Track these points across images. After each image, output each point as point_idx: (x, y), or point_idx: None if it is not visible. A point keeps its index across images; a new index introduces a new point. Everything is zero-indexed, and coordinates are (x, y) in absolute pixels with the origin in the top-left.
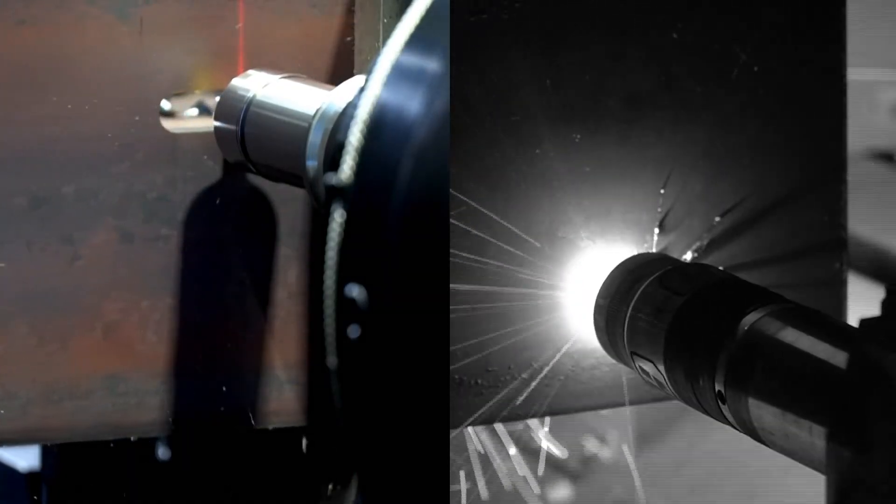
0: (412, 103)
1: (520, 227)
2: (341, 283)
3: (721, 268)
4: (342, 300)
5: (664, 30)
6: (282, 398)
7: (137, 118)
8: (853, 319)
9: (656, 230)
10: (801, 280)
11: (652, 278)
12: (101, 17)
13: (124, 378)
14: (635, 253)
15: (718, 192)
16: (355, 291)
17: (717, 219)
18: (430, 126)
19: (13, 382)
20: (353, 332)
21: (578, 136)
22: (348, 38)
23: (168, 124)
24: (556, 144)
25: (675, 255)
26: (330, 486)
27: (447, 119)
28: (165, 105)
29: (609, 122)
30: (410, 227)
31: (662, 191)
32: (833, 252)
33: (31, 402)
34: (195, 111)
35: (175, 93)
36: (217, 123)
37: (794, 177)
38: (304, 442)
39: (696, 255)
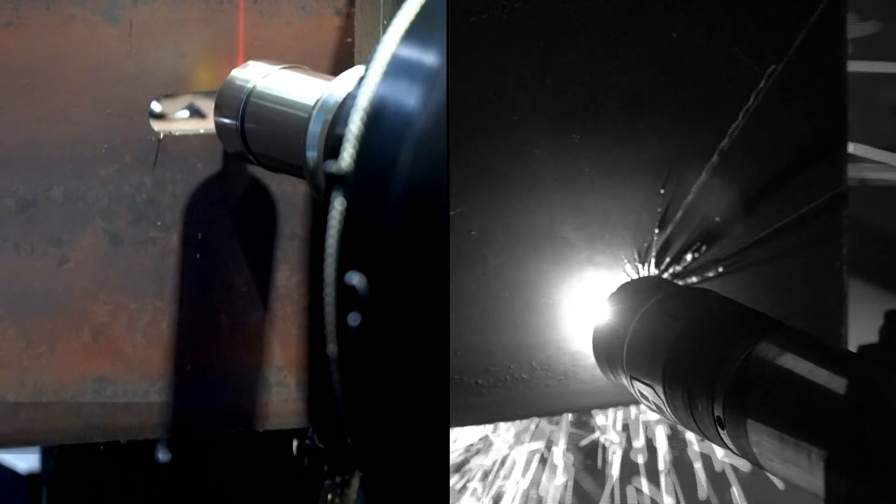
0: (411, 93)
1: (519, 228)
2: (341, 270)
3: (720, 269)
4: (342, 288)
5: (664, 30)
6: (272, 400)
7: (126, 120)
8: (853, 320)
9: (656, 230)
10: (801, 281)
11: (651, 303)
12: (89, 19)
13: (113, 381)
14: (638, 275)
15: (718, 192)
16: (355, 279)
17: (717, 219)
18: (429, 115)
19: (1, 385)
20: (354, 319)
21: (578, 137)
22: (348, 39)
23: (158, 126)
24: (556, 145)
25: (674, 255)
26: (329, 496)
27: (445, 108)
28: (155, 107)
29: (608, 123)
30: (410, 215)
31: (662, 191)
32: (833, 252)
33: (19, 404)
34: (185, 113)
35: (165, 94)
36: (217, 114)
37: (794, 176)
38: (295, 444)
39: (695, 255)
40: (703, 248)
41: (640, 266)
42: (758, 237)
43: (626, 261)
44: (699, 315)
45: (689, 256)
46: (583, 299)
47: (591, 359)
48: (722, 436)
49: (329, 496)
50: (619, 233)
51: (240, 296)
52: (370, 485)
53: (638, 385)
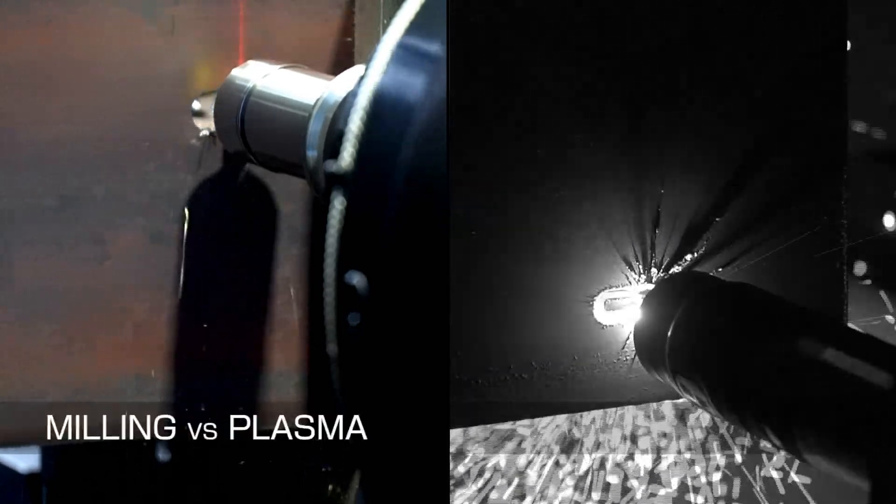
0: (411, 91)
1: (520, 227)
2: (341, 270)
3: (719, 269)
4: (342, 288)
5: (665, 30)
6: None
7: (167, 118)
8: (853, 320)
9: (656, 230)
10: (800, 280)
11: (693, 298)
12: (130, 17)
13: (153, 378)
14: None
15: (718, 192)
16: (355, 279)
17: (717, 219)
18: (429, 115)
19: (41, 382)
20: (353, 319)
21: (579, 136)
22: (348, 39)
23: (199, 124)
24: (557, 144)
25: (673, 255)
26: (330, 487)
27: (445, 107)
28: (196, 105)
29: (610, 122)
30: (410, 215)
31: (662, 191)
32: (833, 252)
33: (58, 401)
34: None
35: (205, 92)
36: (217, 114)
37: (793, 177)
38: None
39: (695, 255)
40: (703, 248)
41: (640, 266)
42: (757, 237)
43: (626, 260)
44: (741, 309)
45: (688, 256)
46: (583, 299)
47: (592, 359)
48: (766, 431)
49: (331, 487)
50: (620, 232)
51: (279, 291)
52: (370, 484)
53: (681, 380)
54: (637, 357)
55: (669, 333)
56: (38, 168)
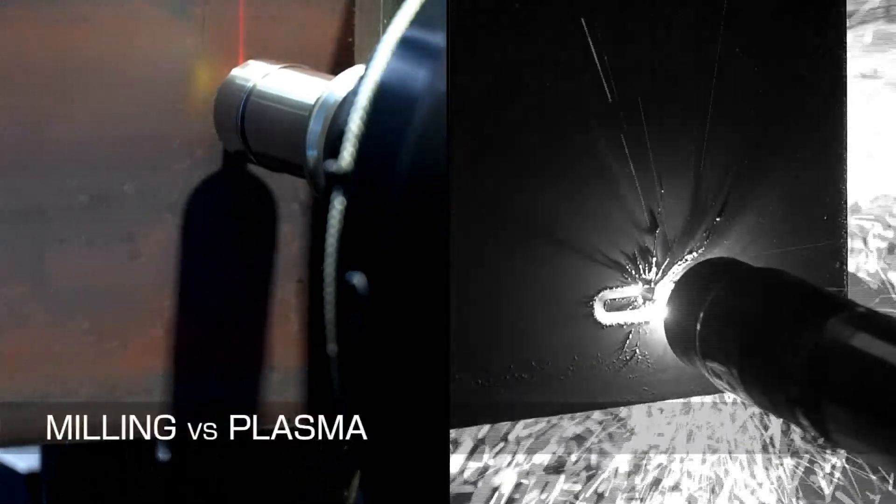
0: (411, 91)
1: (520, 227)
2: (341, 270)
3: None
4: (342, 287)
5: (665, 29)
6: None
7: (197, 117)
8: None
9: (655, 231)
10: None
11: (723, 283)
12: (161, 16)
13: (181, 375)
14: (708, 258)
15: (718, 191)
16: (355, 278)
17: (717, 219)
18: (429, 114)
19: (73, 379)
20: (354, 319)
21: (579, 136)
22: (349, 39)
23: None
24: (556, 144)
25: (674, 254)
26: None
27: (446, 107)
28: None
29: (609, 122)
30: (410, 214)
31: (662, 191)
32: (833, 252)
33: (90, 399)
34: None
35: None
36: (217, 113)
37: (794, 177)
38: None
39: (696, 255)
40: (702, 248)
41: (639, 266)
42: (757, 236)
43: (625, 261)
44: (773, 294)
45: (688, 256)
46: (583, 299)
47: (592, 359)
48: (797, 415)
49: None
50: (620, 232)
51: (308, 291)
52: (370, 484)
53: (711, 365)
54: (637, 356)
55: (700, 318)
56: (69, 167)
